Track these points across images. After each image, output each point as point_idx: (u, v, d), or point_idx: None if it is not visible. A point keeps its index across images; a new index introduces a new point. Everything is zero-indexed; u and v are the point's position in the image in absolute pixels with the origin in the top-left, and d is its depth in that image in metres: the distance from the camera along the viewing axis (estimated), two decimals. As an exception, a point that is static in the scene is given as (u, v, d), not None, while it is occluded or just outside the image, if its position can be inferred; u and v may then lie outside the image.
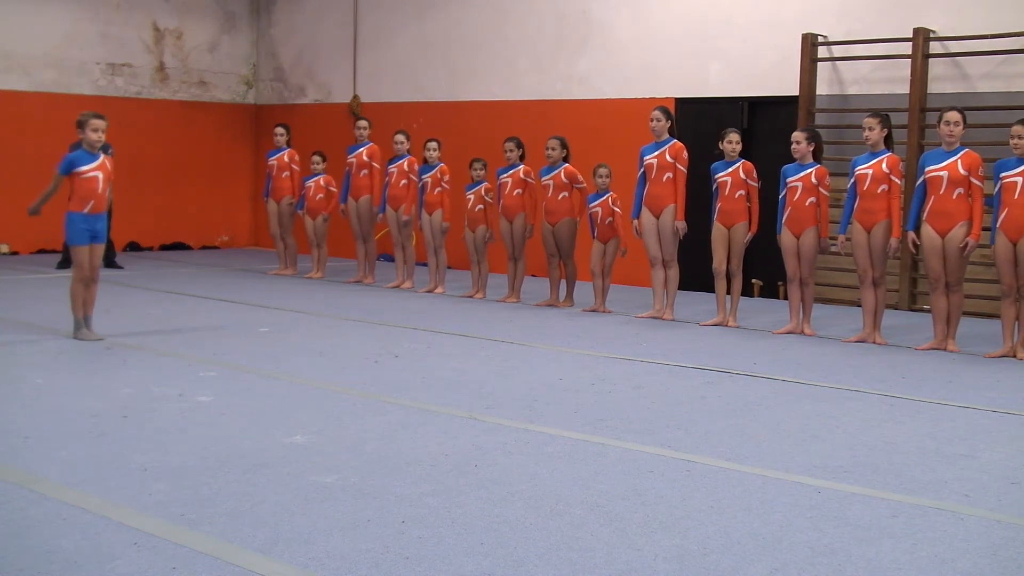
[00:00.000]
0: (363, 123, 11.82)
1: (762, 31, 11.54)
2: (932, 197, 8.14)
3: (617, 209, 9.90)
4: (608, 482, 4.67)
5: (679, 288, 9.73)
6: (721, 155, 9.24)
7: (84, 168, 7.81)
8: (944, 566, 3.78)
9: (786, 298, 9.82)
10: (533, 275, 12.48)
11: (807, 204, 8.78)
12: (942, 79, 10.42)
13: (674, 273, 9.56)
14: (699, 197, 10.37)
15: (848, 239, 8.63)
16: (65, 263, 12.67)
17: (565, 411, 6.02)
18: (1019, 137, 7.83)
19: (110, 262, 13.10)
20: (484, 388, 6.59)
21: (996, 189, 7.98)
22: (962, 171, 8.01)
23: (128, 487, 4.46)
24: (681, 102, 11.95)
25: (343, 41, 15.34)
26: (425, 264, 11.90)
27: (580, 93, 12.97)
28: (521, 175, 10.39)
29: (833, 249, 9.03)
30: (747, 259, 9.49)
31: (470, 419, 5.77)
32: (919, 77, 10.35)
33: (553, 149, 10.11)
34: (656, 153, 9.42)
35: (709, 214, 9.35)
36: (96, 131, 7.81)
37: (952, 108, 8.20)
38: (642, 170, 9.52)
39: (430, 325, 9.01)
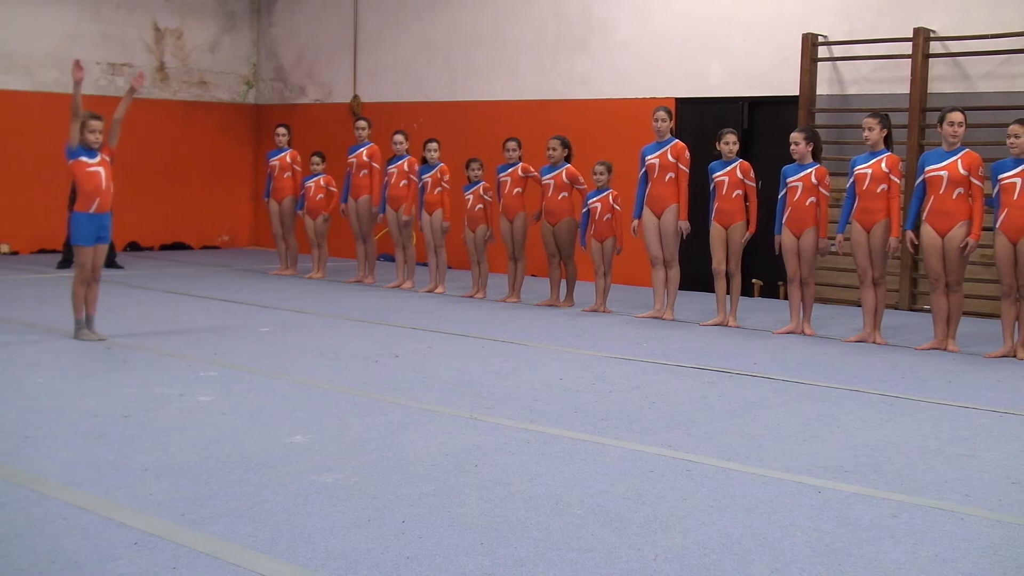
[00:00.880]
0: (362, 123, 11.82)
1: (762, 31, 11.54)
2: (932, 197, 8.14)
3: (617, 207, 9.90)
4: (608, 482, 4.68)
5: (679, 288, 9.73)
6: (719, 155, 9.25)
7: (87, 160, 7.80)
8: (944, 566, 3.79)
9: (786, 298, 9.83)
10: (533, 275, 12.48)
11: (807, 204, 8.78)
12: (942, 79, 10.42)
13: (675, 273, 9.56)
14: (699, 197, 10.37)
15: (847, 239, 8.64)
16: (65, 263, 12.71)
17: (565, 411, 6.02)
18: (1016, 137, 7.84)
19: (111, 262, 13.12)
20: (484, 388, 6.59)
21: (995, 191, 7.99)
22: (962, 171, 8.01)
23: (129, 487, 4.46)
24: (681, 102, 11.95)
25: (344, 41, 15.35)
26: (425, 264, 11.90)
27: (580, 93, 12.98)
28: (520, 172, 10.40)
29: (832, 249, 9.04)
30: (747, 259, 9.50)
31: (470, 419, 5.78)
32: (919, 77, 10.35)
33: (554, 149, 10.11)
34: (658, 153, 9.42)
35: (708, 214, 9.35)
36: (93, 132, 7.81)
37: (955, 108, 8.21)
38: (643, 170, 9.53)
39: (430, 325, 9.01)
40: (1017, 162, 7.86)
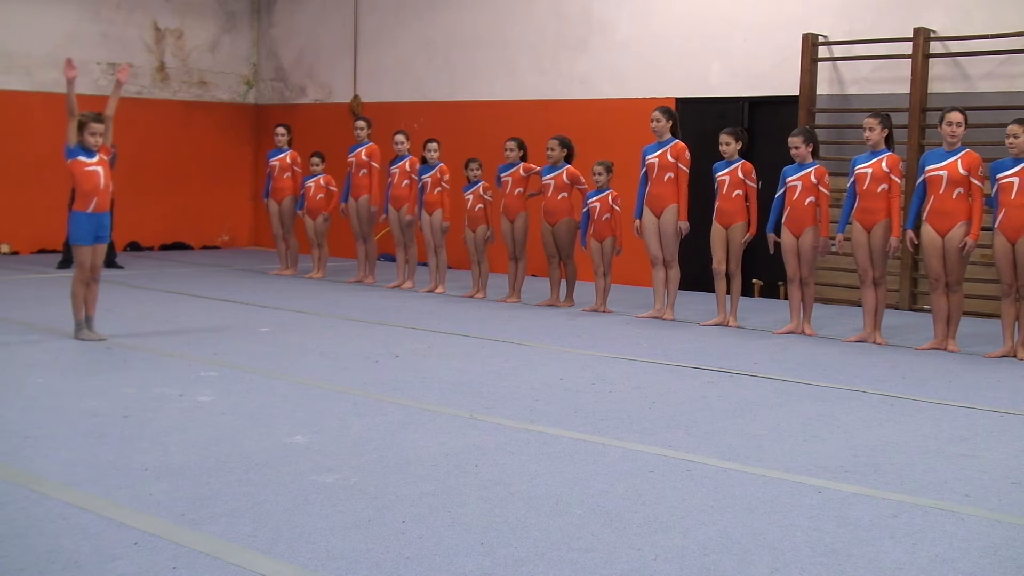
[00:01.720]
0: (361, 123, 11.82)
1: (762, 31, 11.54)
2: (932, 197, 8.14)
3: (617, 207, 9.90)
4: (608, 482, 4.68)
5: (679, 288, 9.73)
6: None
7: (85, 160, 7.80)
8: (945, 566, 3.79)
9: (786, 298, 9.83)
10: (533, 275, 12.48)
11: (806, 203, 8.78)
12: (942, 79, 10.42)
13: (675, 273, 9.56)
14: (701, 197, 10.37)
15: (847, 239, 8.64)
16: (66, 263, 12.71)
17: (565, 411, 6.02)
18: (1015, 137, 7.84)
19: (110, 262, 13.13)
20: (484, 388, 6.59)
21: (993, 191, 7.99)
22: (962, 171, 8.01)
23: (129, 487, 4.46)
24: (681, 102, 11.95)
25: (344, 41, 15.35)
26: (425, 264, 11.90)
27: (580, 93, 12.98)
28: (521, 172, 10.40)
29: (833, 249, 9.04)
30: (747, 259, 9.49)
31: (470, 419, 5.78)
32: (919, 77, 10.35)
33: (552, 149, 10.12)
34: (658, 153, 9.43)
35: (710, 214, 9.35)
36: (94, 135, 7.81)
37: (954, 108, 8.21)
38: (644, 170, 9.53)
39: (431, 325, 9.01)
40: (1016, 161, 7.87)
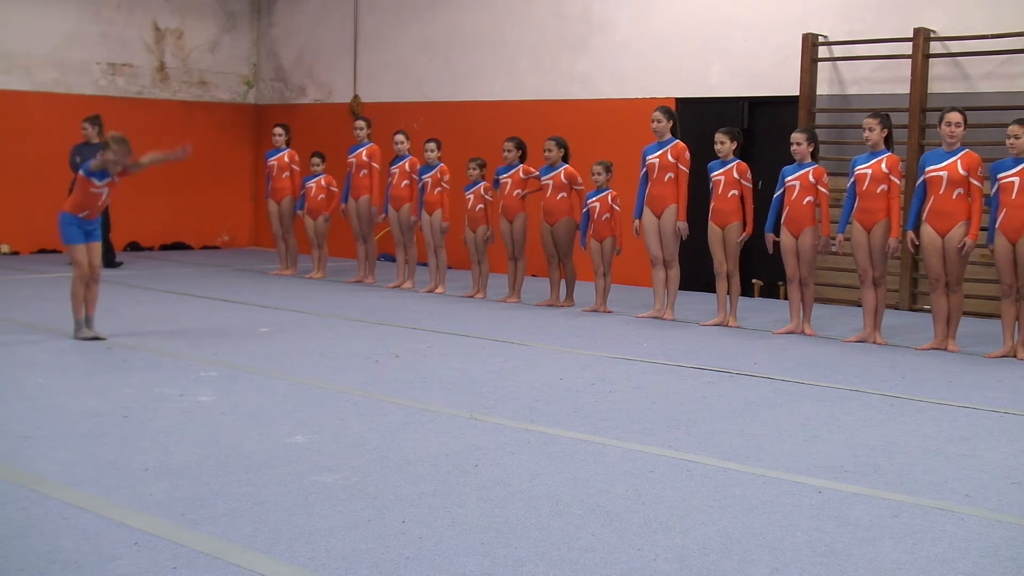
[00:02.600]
0: (360, 123, 11.82)
1: (762, 31, 11.54)
2: (932, 197, 8.14)
3: (616, 207, 9.90)
4: (608, 482, 4.68)
5: (679, 288, 9.73)
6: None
7: (96, 181, 7.75)
8: (945, 566, 3.79)
9: (786, 298, 9.83)
10: (533, 275, 12.48)
11: (805, 203, 8.78)
12: (942, 79, 10.42)
13: (675, 273, 9.56)
14: (699, 197, 10.37)
15: (847, 239, 8.64)
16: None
17: (565, 411, 6.02)
18: (1016, 137, 7.84)
19: (109, 261, 13.15)
20: (484, 388, 6.59)
21: (993, 190, 7.99)
22: (962, 171, 8.01)
23: (129, 487, 4.46)
24: (681, 102, 11.95)
25: (344, 41, 15.35)
26: (425, 264, 11.90)
27: (580, 93, 12.98)
28: (521, 174, 10.40)
29: (833, 249, 9.04)
30: (747, 259, 9.49)
31: (470, 419, 5.78)
32: (919, 77, 10.35)
33: (550, 150, 10.12)
34: (658, 153, 9.43)
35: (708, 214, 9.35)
36: (116, 166, 7.74)
37: (953, 108, 8.21)
38: (644, 170, 9.53)
39: (431, 325, 9.01)
40: (1016, 162, 7.87)
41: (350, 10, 15.24)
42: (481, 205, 10.75)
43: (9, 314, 9.04)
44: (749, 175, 9.22)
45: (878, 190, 8.40)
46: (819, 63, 11.09)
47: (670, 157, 9.37)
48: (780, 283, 11.05)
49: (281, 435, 5.34)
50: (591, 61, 12.89)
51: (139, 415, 5.70)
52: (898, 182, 8.50)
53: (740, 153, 9.30)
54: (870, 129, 8.45)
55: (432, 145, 11.05)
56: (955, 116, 8.09)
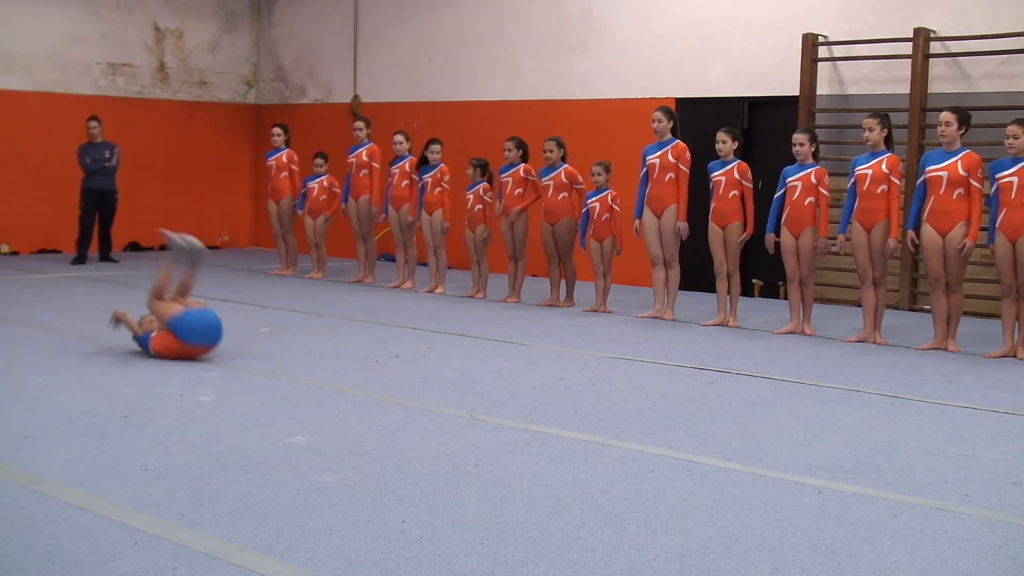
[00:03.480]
0: (360, 124, 11.82)
1: (762, 31, 11.54)
2: (932, 197, 8.15)
3: (616, 207, 9.90)
4: (608, 482, 4.68)
5: (679, 288, 9.73)
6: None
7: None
8: (944, 566, 3.78)
9: (786, 298, 9.83)
10: (533, 275, 12.48)
11: (806, 204, 8.78)
12: (942, 79, 10.42)
13: (675, 273, 9.56)
14: (699, 197, 10.36)
15: (848, 239, 8.64)
16: (79, 260, 13.02)
17: (565, 411, 6.02)
18: (1015, 137, 7.84)
19: (105, 256, 13.23)
20: (484, 388, 6.59)
21: (993, 190, 7.99)
22: (961, 172, 8.02)
23: (129, 487, 4.46)
24: (681, 102, 11.95)
25: (344, 41, 15.35)
26: (425, 264, 11.90)
27: (580, 93, 12.98)
28: (522, 174, 10.40)
29: (833, 249, 9.04)
30: (747, 259, 9.49)
31: (470, 419, 5.78)
32: (919, 77, 10.35)
33: (551, 151, 10.13)
34: (658, 153, 9.43)
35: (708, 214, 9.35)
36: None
37: (946, 109, 8.23)
38: (644, 170, 9.53)
39: (431, 325, 9.01)
40: (1015, 161, 7.87)
41: (350, 10, 15.23)
42: (480, 205, 10.75)
43: (9, 314, 9.04)
44: (750, 175, 9.22)
45: (878, 190, 8.40)
46: (819, 63, 11.09)
47: (671, 157, 9.37)
48: (780, 283, 11.05)
49: (281, 435, 5.34)
50: (591, 61, 12.89)
51: (139, 415, 5.69)
52: (898, 182, 8.51)
53: (740, 153, 9.30)
54: (870, 129, 8.46)
55: (436, 148, 11.02)
56: (945, 115, 8.11)
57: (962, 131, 8.13)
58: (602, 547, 3.88)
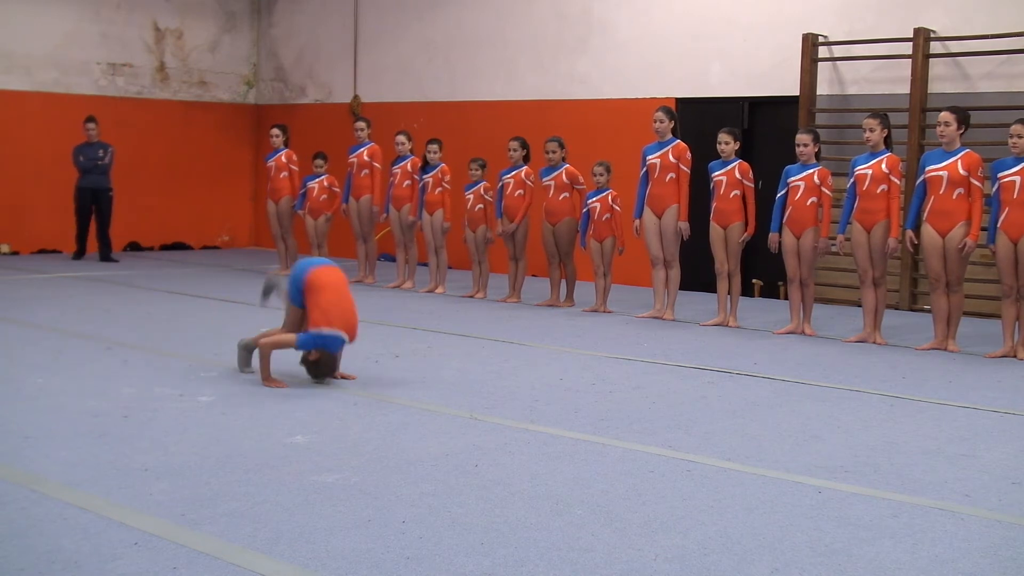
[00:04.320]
0: (360, 124, 11.82)
1: (762, 31, 11.53)
2: (932, 197, 8.15)
3: (617, 207, 9.90)
4: (608, 482, 4.67)
5: (680, 288, 9.73)
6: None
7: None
8: (945, 566, 3.78)
9: (786, 298, 9.83)
10: (534, 275, 12.48)
11: (808, 204, 8.77)
12: (943, 79, 10.42)
13: (675, 273, 9.56)
14: (700, 197, 10.36)
15: (848, 239, 8.64)
16: (79, 255, 13.22)
17: (566, 411, 6.02)
18: (1019, 136, 7.84)
19: (105, 256, 13.23)
20: (484, 388, 6.59)
21: (994, 189, 7.99)
22: (962, 171, 8.02)
23: (129, 487, 4.46)
24: (682, 102, 11.95)
25: (344, 41, 15.35)
26: (425, 264, 11.90)
27: (581, 93, 12.97)
28: (523, 176, 10.39)
29: (833, 249, 9.04)
30: (747, 259, 9.49)
31: (470, 419, 5.78)
32: (920, 77, 10.35)
33: (553, 151, 10.13)
34: (659, 153, 9.43)
35: (710, 214, 9.34)
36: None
37: (945, 108, 8.24)
38: (644, 170, 9.53)
39: (431, 325, 9.01)
40: (1017, 160, 7.87)
41: (350, 10, 15.23)
42: (481, 205, 10.75)
43: (9, 314, 9.03)
44: (751, 175, 9.22)
45: (878, 190, 8.40)
46: (819, 63, 11.08)
47: (671, 157, 9.37)
48: (780, 283, 11.05)
49: (281, 435, 5.34)
50: (591, 61, 12.89)
51: (139, 415, 5.69)
52: (898, 182, 8.50)
53: (740, 153, 9.30)
54: (870, 129, 8.45)
55: (434, 148, 11.03)
56: (944, 115, 8.13)
57: (961, 131, 8.13)
58: (602, 547, 3.88)
